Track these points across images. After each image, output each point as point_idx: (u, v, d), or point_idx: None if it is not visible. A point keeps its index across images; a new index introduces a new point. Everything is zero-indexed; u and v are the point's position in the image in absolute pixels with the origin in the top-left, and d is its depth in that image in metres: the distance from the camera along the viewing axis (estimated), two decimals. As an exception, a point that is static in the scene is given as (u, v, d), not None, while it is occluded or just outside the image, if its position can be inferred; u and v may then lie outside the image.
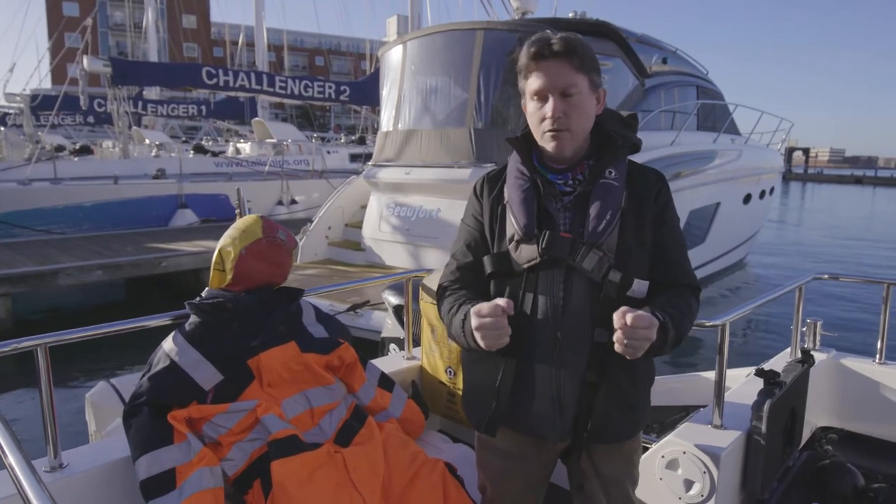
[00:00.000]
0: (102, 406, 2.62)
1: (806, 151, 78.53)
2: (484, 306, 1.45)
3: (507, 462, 1.72)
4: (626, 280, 1.52)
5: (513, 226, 1.59)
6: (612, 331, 1.42)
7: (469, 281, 1.67)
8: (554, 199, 1.60)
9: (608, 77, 7.88)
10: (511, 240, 1.59)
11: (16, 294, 8.24)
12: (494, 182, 1.69)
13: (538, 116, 1.55)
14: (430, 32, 8.05)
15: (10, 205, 11.39)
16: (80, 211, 12.12)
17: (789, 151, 60.68)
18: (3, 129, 17.49)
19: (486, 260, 1.64)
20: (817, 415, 3.01)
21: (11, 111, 24.05)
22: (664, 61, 10.01)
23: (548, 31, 1.54)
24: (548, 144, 1.56)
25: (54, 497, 1.76)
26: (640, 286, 1.54)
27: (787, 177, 57.79)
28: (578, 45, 1.51)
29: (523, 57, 1.55)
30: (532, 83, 1.54)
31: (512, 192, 1.62)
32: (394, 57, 8.35)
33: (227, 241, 2.05)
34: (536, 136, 1.59)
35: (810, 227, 23.91)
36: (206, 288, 2.07)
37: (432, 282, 2.64)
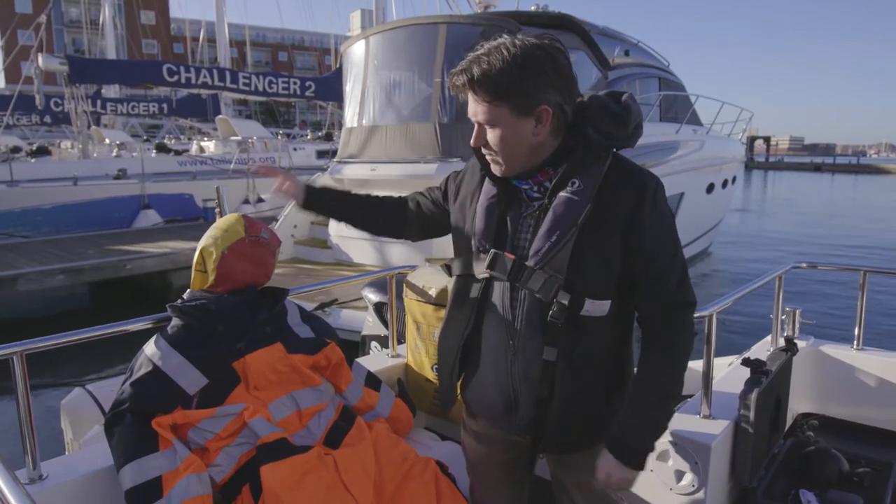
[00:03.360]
0: (79, 413, 2.54)
1: (767, 140, 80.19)
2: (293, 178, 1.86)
3: (481, 445, 1.76)
4: (577, 301, 1.45)
5: (473, 236, 1.61)
6: (559, 350, 1.49)
7: (413, 202, 1.87)
8: (521, 206, 1.55)
9: None
10: (473, 247, 1.61)
11: (-27, 301, 7.96)
12: (473, 172, 1.68)
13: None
14: (392, 27, 7.99)
15: (-36, 208, 11.02)
16: (39, 214, 11.76)
17: (751, 140, 61.92)
18: (-47, 130, 16.86)
19: (458, 261, 1.67)
20: (798, 401, 3.06)
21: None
22: (626, 53, 10.15)
23: (479, 54, 1.40)
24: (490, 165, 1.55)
25: None
26: (594, 306, 1.47)
27: (749, 165, 58.87)
28: (487, 79, 1.38)
29: None
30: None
31: (481, 199, 1.61)
32: (356, 52, 8.27)
33: (208, 242, 1.99)
34: None
35: (773, 214, 24.48)
36: (188, 290, 2.02)
37: (416, 278, 2.61)
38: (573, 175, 1.46)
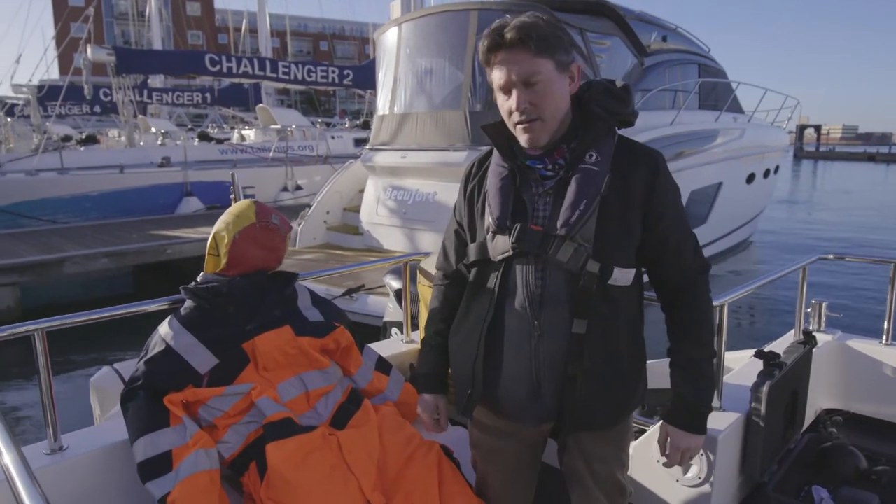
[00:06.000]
0: (106, 390, 2.65)
1: (818, 129, 77.26)
2: (429, 404, 1.81)
3: (495, 439, 1.74)
4: (606, 270, 1.49)
5: (489, 216, 1.60)
6: (590, 322, 1.49)
7: (452, 276, 1.79)
8: (534, 185, 1.56)
9: (605, 56, 7.80)
10: (488, 230, 1.60)
11: (23, 283, 8.32)
12: (480, 166, 1.70)
13: (506, 109, 1.51)
14: (424, 13, 7.99)
15: (18, 195, 11.48)
16: (87, 200, 12.19)
17: (801, 129, 59.52)
18: (10, 119, 17.54)
19: (471, 248, 1.67)
20: (822, 397, 2.99)
21: (19, 102, 24.09)
22: (664, 39, 9.92)
23: (506, 17, 1.45)
24: (521, 137, 1.52)
25: (54, 479, 1.79)
26: (622, 274, 1.51)
27: (799, 154, 56.74)
28: (534, 28, 1.41)
29: (480, 50, 1.49)
30: (494, 77, 1.48)
31: (491, 181, 1.62)
32: (389, 39, 8.30)
33: (221, 226, 2.06)
34: (510, 127, 1.54)
35: (821, 206, 23.65)
36: (202, 273, 2.09)
37: (429, 265, 2.64)
38: (589, 148, 1.52)
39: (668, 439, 1.66)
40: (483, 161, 1.69)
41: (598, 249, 1.48)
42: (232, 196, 2.41)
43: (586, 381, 1.52)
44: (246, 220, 2.06)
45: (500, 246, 1.56)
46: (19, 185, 11.76)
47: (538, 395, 1.57)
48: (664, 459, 1.69)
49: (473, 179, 1.69)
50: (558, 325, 1.52)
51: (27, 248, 9.13)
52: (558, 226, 1.49)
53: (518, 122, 1.49)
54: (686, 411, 1.62)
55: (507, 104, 1.50)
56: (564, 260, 1.48)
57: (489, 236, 1.59)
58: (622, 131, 1.59)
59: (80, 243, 9.50)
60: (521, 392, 1.59)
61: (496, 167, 1.62)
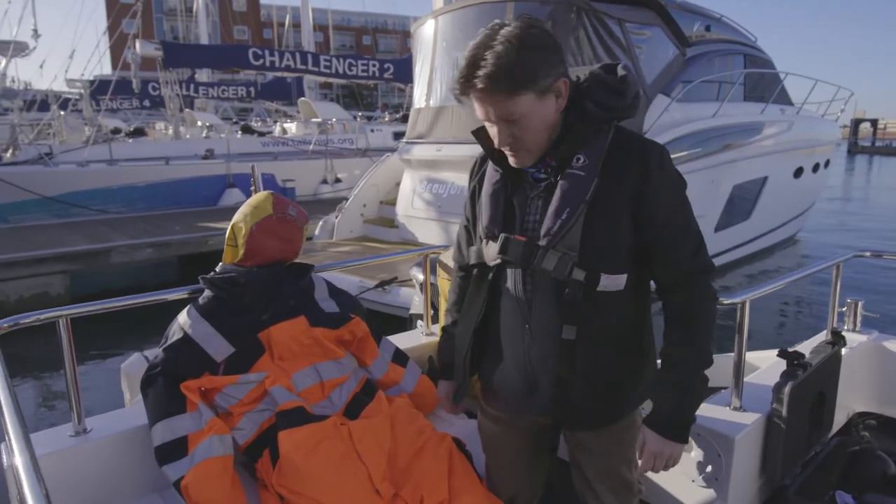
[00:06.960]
0: (135, 376, 2.73)
1: (874, 123, 73.96)
2: (444, 389, 1.90)
3: (496, 426, 1.79)
4: (592, 277, 1.45)
5: (480, 223, 1.62)
6: (579, 328, 1.48)
7: (466, 269, 1.79)
8: (527, 187, 1.55)
9: (645, 47, 7.63)
10: (482, 235, 1.62)
11: (73, 271, 8.63)
12: (481, 164, 1.70)
13: (491, 134, 1.48)
14: (460, 6, 7.94)
15: (69, 186, 11.88)
16: (134, 191, 12.53)
17: (856, 123, 57.00)
18: (62, 113, 18.15)
19: (471, 251, 1.70)
20: (855, 399, 2.88)
21: (72, 96, 24.98)
22: (707, 29, 9.64)
23: (476, 52, 1.35)
24: (509, 158, 1.51)
25: (78, 460, 1.86)
26: (610, 281, 1.46)
27: (853, 149, 54.61)
28: (505, 71, 1.32)
29: (455, 78, 1.41)
30: (475, 106, 1.43)
31: (485, 185, 1.62)
32: (426, 32, 8.30)
33: (239, 218, 2.10)
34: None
35: (876, 204, 22.68)
36: (220, 263, 2.13)
37: (448, 258, 2.64)
38: (576, 151, 1.46)
39: (646, 445, 1.58)
40: (485, 159, 1.67)
41: (583, 257, 1.44)
42: (252, 188, 2.47)
43: (578, 383, 1.53)
44: (263, 211, 2.09)
45: (491, 252, 1.58)
46: (71, 176, 12.16)
47: (534, 390, 1.60)
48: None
49: (474, 178, 1.69)
50: (548, 330, 1.53)
51: (77, 237, 9.47)
52: (541, 235, 1.48)
53: (503, 147, 1.48)
54: (667, 419, 1.55)
55: (491, 130, 1.47)
56: (550, 269, 1.47)
57: (484, 242, 1.61)
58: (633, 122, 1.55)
59: (126, 233, 9.80)
60: (517, 386, 1.63)
61: (491, 170, 1.62)
